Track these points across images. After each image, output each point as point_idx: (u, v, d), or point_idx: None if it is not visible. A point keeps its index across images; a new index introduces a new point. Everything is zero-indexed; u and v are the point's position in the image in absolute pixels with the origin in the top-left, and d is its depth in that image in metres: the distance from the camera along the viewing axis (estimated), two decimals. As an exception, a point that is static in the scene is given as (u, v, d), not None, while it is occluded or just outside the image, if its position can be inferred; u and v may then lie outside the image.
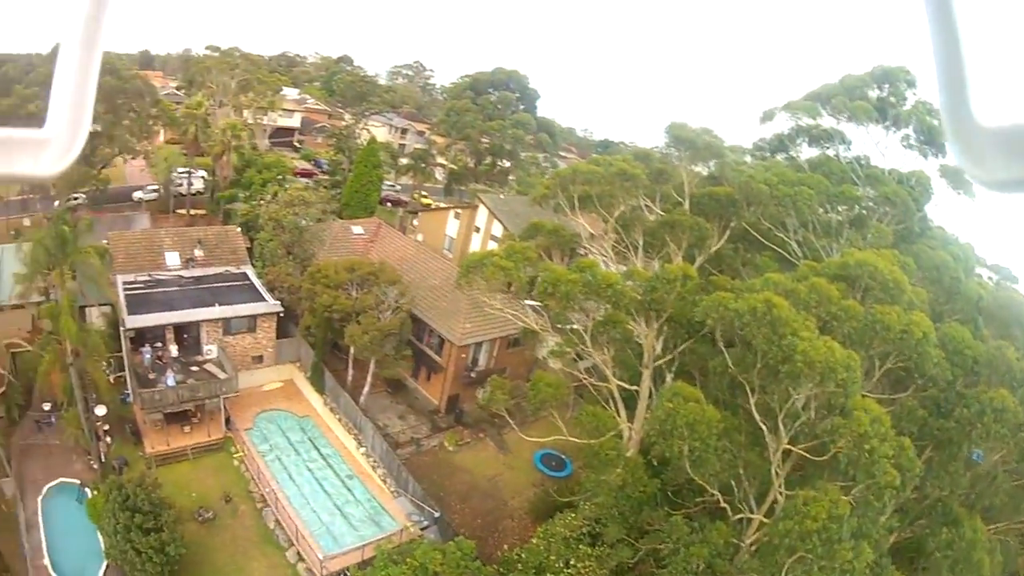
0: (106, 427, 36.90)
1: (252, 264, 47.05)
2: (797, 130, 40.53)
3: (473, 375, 43.73)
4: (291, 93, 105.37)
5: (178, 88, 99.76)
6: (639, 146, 45.82)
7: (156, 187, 69.49)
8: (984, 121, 1.27)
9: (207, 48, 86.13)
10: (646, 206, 34.51)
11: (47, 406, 38.08)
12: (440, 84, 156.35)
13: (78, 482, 34.44)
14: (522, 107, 76.78)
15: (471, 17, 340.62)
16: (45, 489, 33.81)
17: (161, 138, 77.88)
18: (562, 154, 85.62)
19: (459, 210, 64.18)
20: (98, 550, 29.48)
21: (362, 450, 38.99)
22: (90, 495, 32.13)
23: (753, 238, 35.02)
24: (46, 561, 29.85)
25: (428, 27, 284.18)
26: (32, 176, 1.45)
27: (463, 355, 42.70)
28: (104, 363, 36.39)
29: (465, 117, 74.16)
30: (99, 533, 29.42)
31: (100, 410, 36.44)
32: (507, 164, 79.25)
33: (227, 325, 41.18)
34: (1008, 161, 1.25)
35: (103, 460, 35.35)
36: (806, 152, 40.73)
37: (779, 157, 41.87)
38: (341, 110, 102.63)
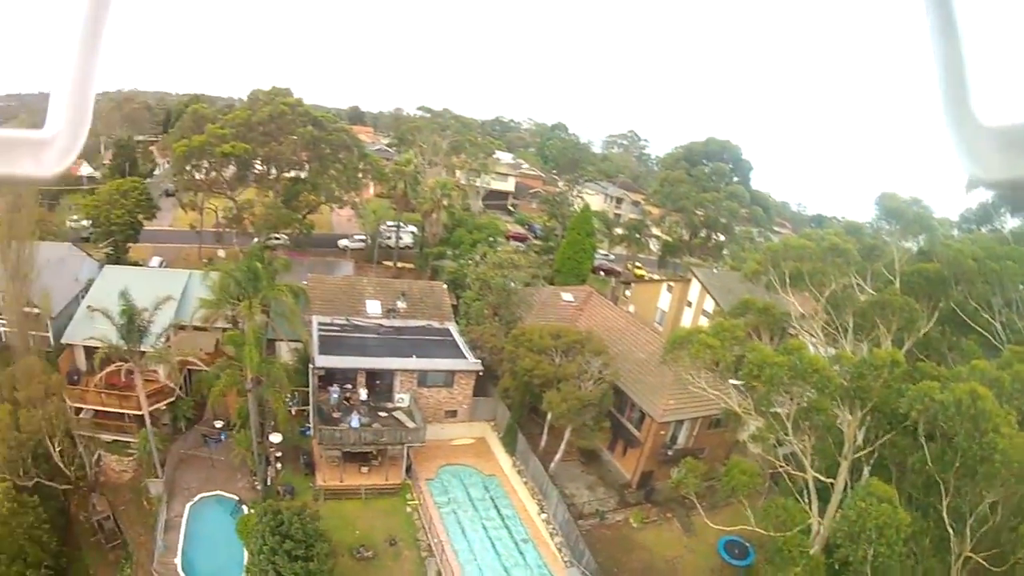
0: (278, 454, 38.28)
1: (456, 321, 47.40)
2: (1001, 198, 37.60)
3: (670, 452, 41.50)
4: (505, 157, 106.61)
5: (388, 145, 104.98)
6: (851, 220, 42.05)
7: (363, 237, 72.35)
8: (984, 121, 1.28)
9: (419, 108, 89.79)
10: (857, 284, 32.72)
11: (219, 424, 40.21)
12: (655, 154, 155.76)
13: (236, 498, 35.96)
14: (735, 179, 74.65)
15: (685, 87, 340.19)
16: (197, 497, 35.75)
17: (371, 191, 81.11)
18: (776, 229, 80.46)
19: (671, 283, 62.34)
20: (239, 563, 30.23)
21: (543, 516, 37.65)
22: (245, 512, 33.35)
23: (960, 319, 32.32)
24: (177, 560, 31.26)
25: (642, 97, 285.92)
26: (33, 176, 1.44)
27: (662, 432, 40.83)
28: (287, 395, 37.53)
29: (679, 188, 72.89)
30: (244, 549, 30.09)
31: (275, 437, 37.78)
32: (721, 238, 76.70)
33: (423, 377, 41.32)
34: (1008, 160, 1.26)
35: (268, 483, 36.83)
36: (1010, 222, 38.48)
37: (984, 229, 39.18)
38: (555, 176, 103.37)
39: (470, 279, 48.24)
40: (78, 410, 39.30)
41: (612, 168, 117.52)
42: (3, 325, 44.13)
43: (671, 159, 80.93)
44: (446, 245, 65.52)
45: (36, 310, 41.66)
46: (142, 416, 36.00)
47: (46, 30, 1.44)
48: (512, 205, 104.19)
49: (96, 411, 39.80)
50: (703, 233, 76.54)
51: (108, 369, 35.30)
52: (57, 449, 34.11)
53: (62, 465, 34.51)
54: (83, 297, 43.59)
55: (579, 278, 63.58)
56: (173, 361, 37.06)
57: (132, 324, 34.53)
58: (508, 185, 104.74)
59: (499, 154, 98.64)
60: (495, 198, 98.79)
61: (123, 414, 39.34)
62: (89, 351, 38.17)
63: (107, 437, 39.62)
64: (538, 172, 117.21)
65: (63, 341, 40.67)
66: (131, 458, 38.70)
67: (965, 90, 1.31)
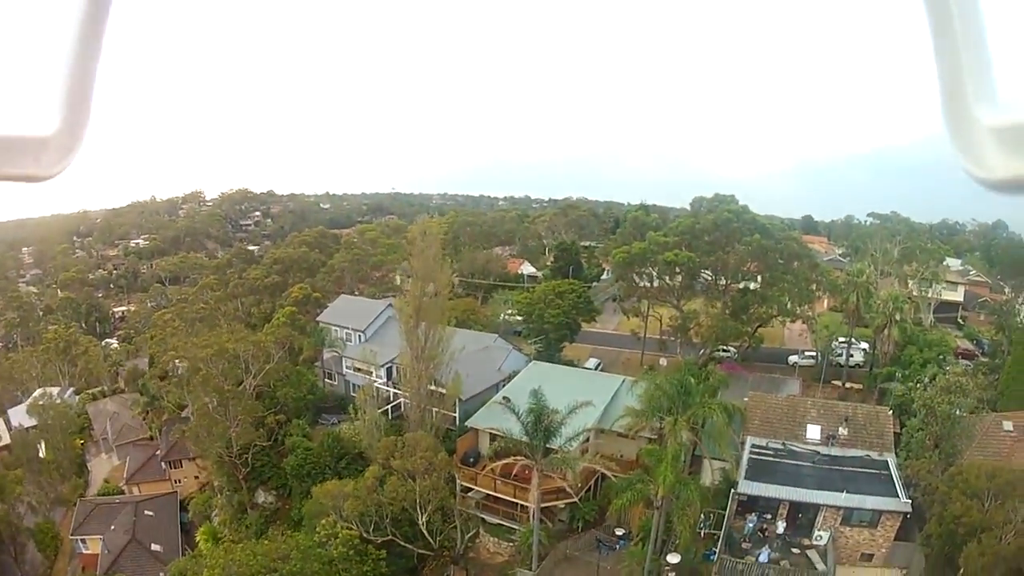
0: (672, 574, 35.81)
1: (896, 453, 41.98)
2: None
3: None
4: (954, 263, 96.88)
5: (842, 255, 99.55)
6: None
7: (813, 353, 67.53)
8: (984, 120, 1.29)
9: (868, 215, 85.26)
10: None
11: (619, 531, 39.03)
12: None
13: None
14: None
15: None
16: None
17: (824, 304, 76.88)
18: None
19: None
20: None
21: None
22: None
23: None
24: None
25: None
26: (33, 176, 1.46)
27: None
28: (700, 516, 35.47)
29: None
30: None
31: (673, 557, 35.56)
32: None
33: (848, 515, 37.22)
34: (1008, 160, 1.27)
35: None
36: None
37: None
38: (1001, 283, 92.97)
39: (916, 405, 42.98)
40: (467, 489, 40.38)
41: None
42: (404, 399, 46.89)
43: None
44: (896, 364, 59.16)
45: (442, 390, 43.63)
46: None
47: (46, 30, 1.43)
48: (962, 317, 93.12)
49: (488, 494, 40.22)
50: None
51: (504, 461, 35.76)
52: (424, 518, 35.67)
53: (425, 532, 36.04)
54: (503, 386, 45.41)
55: (1024, 401, 52.59)
56: (576, 468, 36.20)
57: (538, 423, 34.36)
58: (958, 295, 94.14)
59: (948, 260, 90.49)
60: (945, 310, 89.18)
61: (516, 503, 39.07)
62: (493, 437, 39.07)
63: (492, 520, 40.07)
64: (984, 278, 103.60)
65: (468, 424, 42.22)
66: (511, 544, 38.85)
67: (965, 90, 1.30)
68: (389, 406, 49.36)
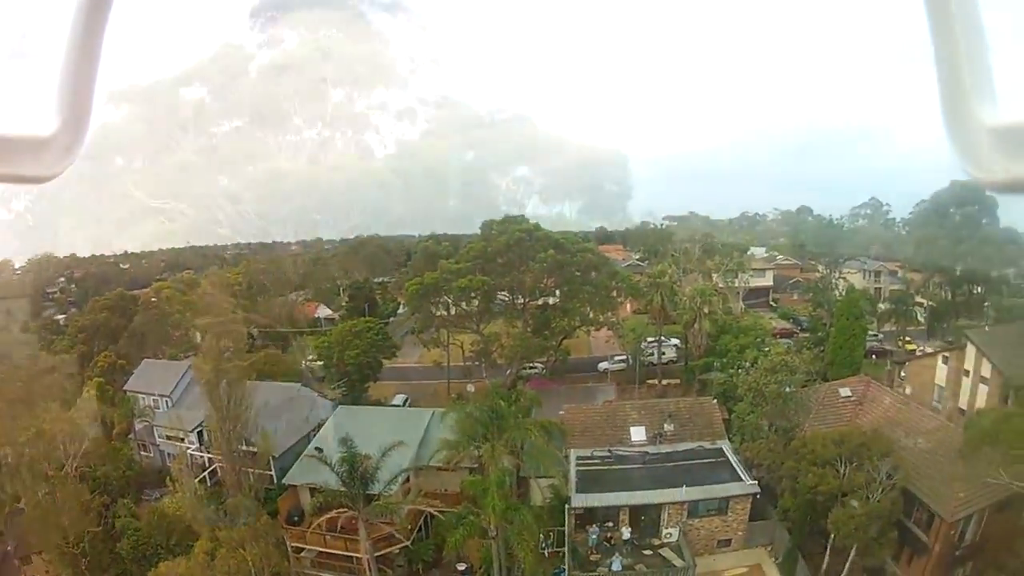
0: None
1: (729, 438, 43.08)
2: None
3: (958, 553, 36.32)
4: (758, 252, 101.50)
5: (640, 260, 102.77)
6: None
7: (623, 357, 68.28)
8: (984, 121, 1.30)
9: (665, 218, 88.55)
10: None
11: (462, 567, 37.97)
12: (899, 216, 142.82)
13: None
14: (984, 220, 67.45)
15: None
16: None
17: (628, 309, 77.23)
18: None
19: (946, 354, 54.86)
20: None
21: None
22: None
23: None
24: None
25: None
26: (33, 176, 1.47)
27: (952, 531, 35.42)
28: (539, 537, 34.82)
29: (936, 245, 68.36)
30: None
31: None
32: (979, 290, 69.39)
33: (694, 507, 37.66)
34: (1008, 161, 1.27)
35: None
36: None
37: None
38: (812, 263, 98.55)
39: (741, 390, 43.94)
40: (298, 549, 38.72)
41: (864, 241, 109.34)
42: (219, 463, 44.50)
43: (920, 217, 76.76)
44: (712, 355, 60.84)
45: (253, 449, 41.47)
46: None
47: (46, 30, 1.41)
48: (774, 300, 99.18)
49: (320, 551, 38.52)
50: (962, 289, 69.58)
51: (328, 515, 34.41)
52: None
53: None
54: (313, 436, 43.98)
55: (853, 367, 56.77)
56: (401, 512, 35.47)
57: (353, 471, 33.26)
58: (766, 280, 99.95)
59: (753, 249, 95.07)
60: (755, 296, 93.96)
61: (350, 556, 37.56)
62: (313, 491, 37.34)
63: (331, 577, 38.63)
64: (794, 261, 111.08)
65: (285, 481, 40.37)
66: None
67: (965, 90, 1.30)
68: (206, 472, 46.15)
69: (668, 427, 42.18)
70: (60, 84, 1.40)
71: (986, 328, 58.45)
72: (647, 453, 40.63)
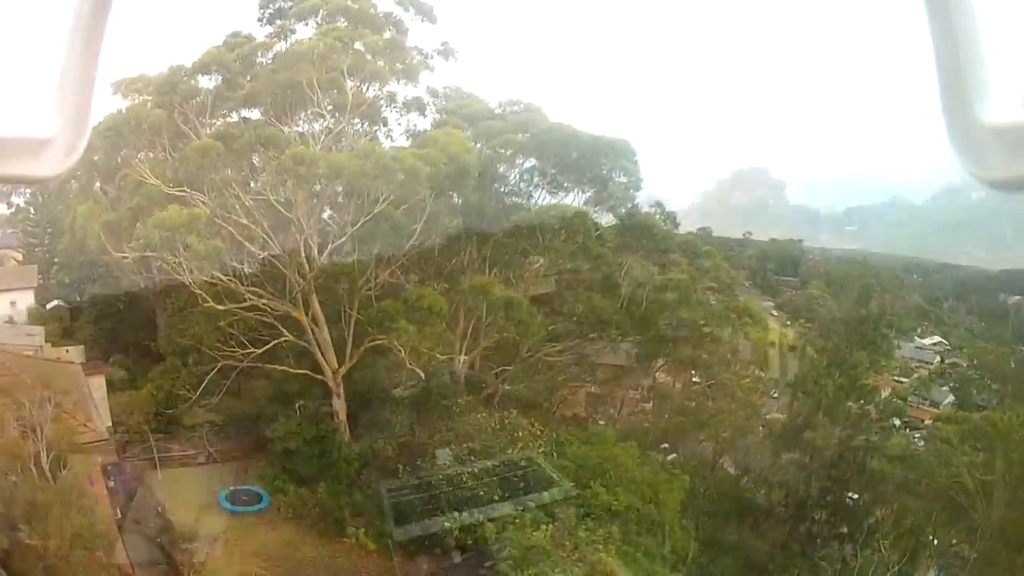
0: None
1: None
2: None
3: None
4: None
5: None
6: None
7: None
8: (984, 119, 1.29)
9: None
10: None
11: None
12: None
13: None
14: None
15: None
16: None
17: None
18: None
19: None
20: None
21: None
22: None
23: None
24: None
25: None
26: (34, 177, 1.48)
27: None
28: None
29: None
30: None
31: None
32: None
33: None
34: (1008, 159, 1.26)
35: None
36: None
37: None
38: None
39: None
40: None
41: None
42: None
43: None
44: None
45: None
46: None
47: (46, 30, 1.42)
48: None
49: None
50: None
51: None
52: None
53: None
54: None
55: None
56: None
57: None
58: None
59: None
60: None
61: None
62: None
63: None
64: None
65: None
66: None
67: (965, 90, 1.30)
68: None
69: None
70: (60, 84, 1.39)
71: None
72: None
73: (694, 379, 34.85)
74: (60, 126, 1.41)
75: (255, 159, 27.52)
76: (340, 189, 27.70)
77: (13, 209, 62.28)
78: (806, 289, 48.85)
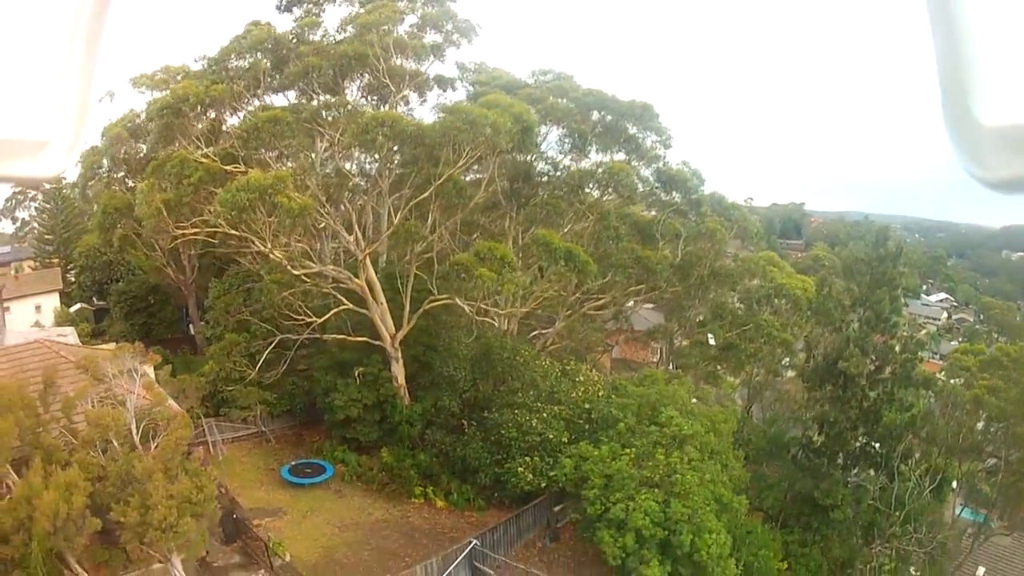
0: None
1: None
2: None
3: None
4: None
5: None
6: None
7: None
8: (984, 120, 1.27)
9: None
10: None
11: None
12: None
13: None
14: None
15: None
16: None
17: None
18: None
19: None
20: None
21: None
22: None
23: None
24: None
25: None
26: (33, 177, 1.49)
27: None
28: None
29: None
30: None
31: None
32: None
33: None
34: (1009, 160, 1.25)
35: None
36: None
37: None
38: None
39: None
40: None
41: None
42: None
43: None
44: None
45: None
46: None
47: (46, 30, 1.39)
48: None
49: None
50: None
51: None
52: None
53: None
54: None
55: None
56: None
57: None
58: None
59: None
60: None
61: None
62: None
63: None
64: None
65: None
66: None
67: (965, 90, 1.28)
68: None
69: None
70: (60, 84, 1.40)
71: None
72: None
73: (729, 322, 36.61)
74: (59, 127, 1.41)
75: (320, 129, 28.42)
76: (402, 157, 28.87)
77: (19, 224, 61.80)
78: (810, 251, 51.01)
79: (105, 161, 40.49)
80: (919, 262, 53.35)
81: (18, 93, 1.39)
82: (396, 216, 30.65)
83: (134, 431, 21.99)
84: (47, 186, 53.29)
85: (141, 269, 43.29)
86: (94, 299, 47.29)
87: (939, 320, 49.75)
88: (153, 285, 42.95)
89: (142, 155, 38.41)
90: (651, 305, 44.43)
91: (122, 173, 40.30)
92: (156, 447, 21.67)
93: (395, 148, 28.57)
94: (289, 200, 24.37)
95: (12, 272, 51.22)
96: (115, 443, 21.11)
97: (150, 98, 37.22)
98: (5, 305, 41.50)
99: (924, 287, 52.67)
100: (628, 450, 26.37)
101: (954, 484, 35.55)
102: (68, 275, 50.46)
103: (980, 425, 35.16)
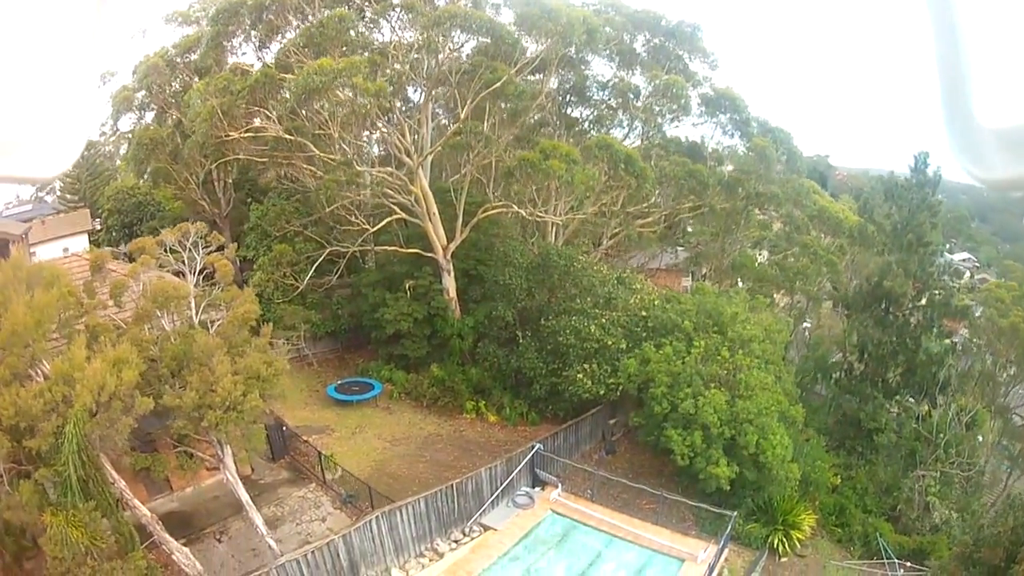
0: None
1: None
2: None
3: None
4: None
5: None
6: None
7: None
8: (984, 121, 1.28)
9: None
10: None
11: None
12: None
13: None
14: None
15: None
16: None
17: None
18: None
19: None
20: None
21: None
22: None
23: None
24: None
25: None
26: (33, 177, 1.59)
27: None
28: None
29: None
30: None
31: None
32: None
33: None
34: (1008, 160, 1.26)
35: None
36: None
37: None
38: None
39: None
40: None
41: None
42: None
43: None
44: None
45: None
46: None
47: (45, 30, 1.39)
48: None
49: None
50: None
51: None
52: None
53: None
54: None
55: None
56: None
57: None
58: None
59: None
60: None
61: None
62: None
63: None
64: None
65: None
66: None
67: (965, 90, 1.29)
68: None
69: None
70: (60, 85, 1.39)
71: None
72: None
73: (774, 246, 36.79)
74: (59, 126, 1.41)
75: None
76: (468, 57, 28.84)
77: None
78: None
79: (138, 96, 39.89)
80: (943, 219, 53.75)
81: (18, 93, 1.38)
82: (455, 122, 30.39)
83: (193, 307, 20.34)
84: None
85: (171, 210, 42.60)
86: (123, 244, 46.48)
87: (961, 280, 50.39)
88: (185, 220, 42.24)
89: (177, 87, 38.00)
90: (682, 247, 44.60)
91: (156, 108, 39.73)
92: (219, 324, 20.22)
93: (462, 44, 28.46)
94: (364, 80, 24.17)
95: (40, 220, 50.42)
96: (174, 317, 19.70)
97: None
98: (32, 251, 40.80)
99: (948, 245, 53.01)
100: (694, 348, 26.26)
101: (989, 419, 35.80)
102: (94, 222, 49.57)
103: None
